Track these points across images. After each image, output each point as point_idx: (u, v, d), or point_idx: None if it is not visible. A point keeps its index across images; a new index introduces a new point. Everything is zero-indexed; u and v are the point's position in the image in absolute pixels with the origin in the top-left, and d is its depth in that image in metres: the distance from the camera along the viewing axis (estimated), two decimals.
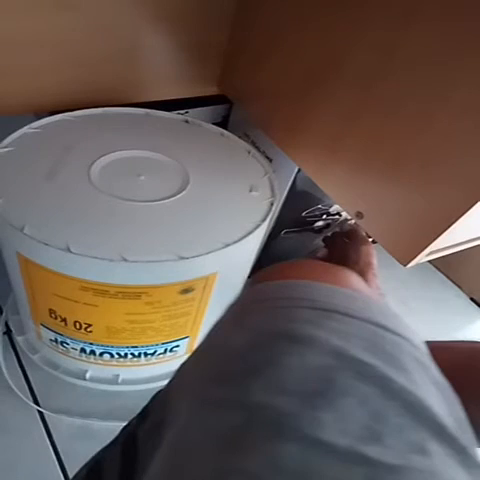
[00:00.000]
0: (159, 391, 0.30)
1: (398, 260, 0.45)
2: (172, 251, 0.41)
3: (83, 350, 0.53)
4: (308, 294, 0.23)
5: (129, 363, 0.55)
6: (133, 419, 0.32)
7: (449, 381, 0.21)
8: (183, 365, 0.27)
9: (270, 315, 0.23)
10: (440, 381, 0.20)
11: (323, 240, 0.72)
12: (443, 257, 0.47)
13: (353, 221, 0.71)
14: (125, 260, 0.39)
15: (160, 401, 0.29)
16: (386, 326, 0.21)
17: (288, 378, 0.18)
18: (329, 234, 0.72)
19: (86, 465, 0.34)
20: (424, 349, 0.22)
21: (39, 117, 0.54)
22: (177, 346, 0.55)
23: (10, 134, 0.50)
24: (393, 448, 0.16)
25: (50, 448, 0.56)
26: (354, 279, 0.27)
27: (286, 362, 0.19)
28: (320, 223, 0.73)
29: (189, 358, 0.26)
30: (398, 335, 0.21)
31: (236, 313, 0.25)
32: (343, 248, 0.63)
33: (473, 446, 0.18)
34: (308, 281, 0.25)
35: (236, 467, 0.15)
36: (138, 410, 0.32)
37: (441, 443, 0.17)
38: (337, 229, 0.73)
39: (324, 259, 0.66)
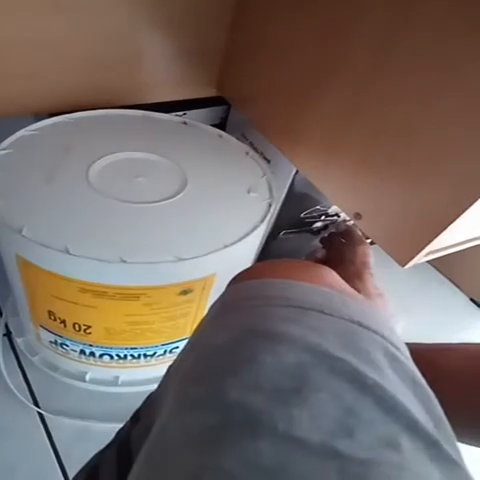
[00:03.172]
0: (150, 394, 0.31)
1: (396, 261, 0.45)
2: (170, 252, 0.41)
3: (83, 352, 0.53)
4: (283, 292, 0.24)
5: (129, 364, 0.55)
6: (127, 422, 0.32)
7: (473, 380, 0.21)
8: (170, 367, 0.27)
9: (246, 314, 0.23)
10: (416, 377, 0.20)
11: (320, 241, 0.72)
12: (442, 257, 0.47)
13: (351, 222, 0.71)
14: (124, 261, 0.39)
15: (150, 404, 0.29)
16: (360, 322, 0.21)
17: (263, 375, 0.18)
18: (326, 235, 0.72)
19: (83, 469, 0.34)
20: (402, 346, 0.22)
21: (37, 119, 0.54)
22: (176, 347, 0.55)
23: (8, 136, 0.50)
24: (364, 442, 0.16)
25: (50, 450, 0.56)
26: (331, 277, 0.27)
27: (261, 360, 0.19)
28: (319, 224, 0.73)
29: (175, 359, 0.26)
30: (372, 331, 0.21)
31: (216, 313, 0.26)
32: (340, 248, 0.64)
33: (449, 441, 0.18)
34: (283, 280, 0.25)
35: (211, 466, 0.15)
36: None
37: (412, 438, 0.17)
38: (333, 230, 0.73)
39: (322, 259, 0.66)
